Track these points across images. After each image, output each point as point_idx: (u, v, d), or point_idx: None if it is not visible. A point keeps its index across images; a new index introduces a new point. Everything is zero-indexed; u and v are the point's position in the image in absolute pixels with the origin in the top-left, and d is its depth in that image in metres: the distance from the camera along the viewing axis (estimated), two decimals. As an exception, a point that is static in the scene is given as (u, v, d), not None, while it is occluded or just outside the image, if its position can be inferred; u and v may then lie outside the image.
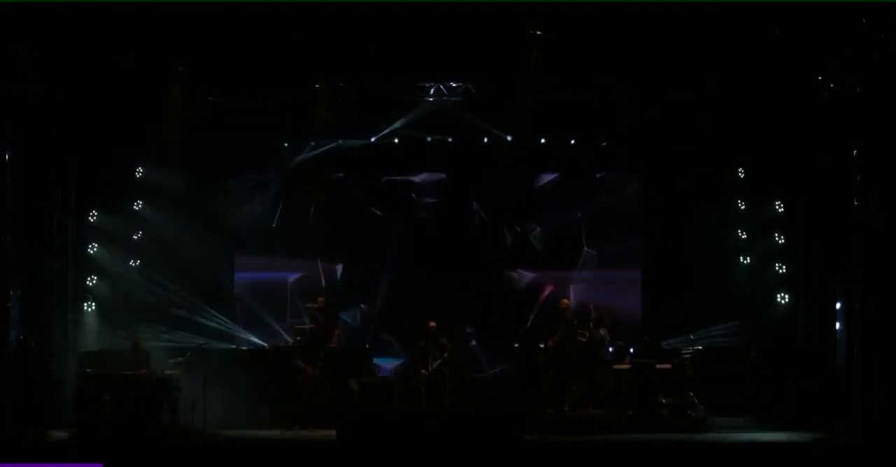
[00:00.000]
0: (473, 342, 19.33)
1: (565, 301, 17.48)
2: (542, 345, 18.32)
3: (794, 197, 17.71)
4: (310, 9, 14.80)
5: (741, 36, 15.35)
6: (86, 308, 17.96)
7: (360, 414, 15.71)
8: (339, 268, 19.74)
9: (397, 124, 18.77)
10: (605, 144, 19.13)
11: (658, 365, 16.51)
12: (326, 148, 19.20)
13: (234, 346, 18.16)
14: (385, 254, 19.65)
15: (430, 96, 18.49)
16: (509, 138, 18.96)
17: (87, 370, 15.91)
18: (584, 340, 16.81)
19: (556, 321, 17.30)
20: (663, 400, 16.43)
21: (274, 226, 19.65)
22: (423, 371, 16.71)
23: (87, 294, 18.04)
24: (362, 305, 19.62)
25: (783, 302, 18.03)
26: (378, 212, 19.76)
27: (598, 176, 19.63)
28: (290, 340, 17.85)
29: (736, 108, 17.55)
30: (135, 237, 18.84)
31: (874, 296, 14.75)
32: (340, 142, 19.19)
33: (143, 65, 16.58)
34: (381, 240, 19.71)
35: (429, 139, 19.17)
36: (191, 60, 16.58)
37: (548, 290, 19.51)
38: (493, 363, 19.18)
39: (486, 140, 19.08)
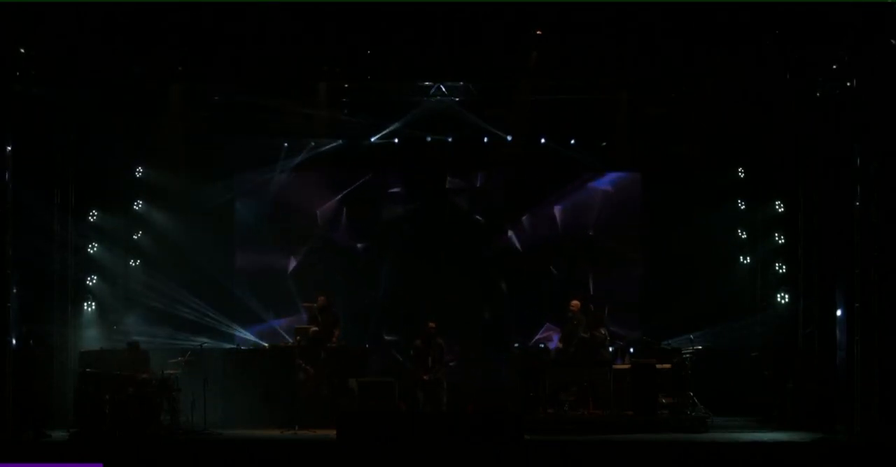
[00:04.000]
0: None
1: (575, 302, 17.44)
2: (542, 345, 18.37)
3: (794, 197, 17.71)
4: (310, 9, 14.80)
5: (741, 36, 15.35)
6: (86, 308, 17.95)
7: (360, 414, 15.71)
8: (340, 268, 19.72)
9: (397, 124, 18.79)
10: (605, 144, 19.15)
11: (658, 365, 16.50)
12: (326, 148, 19.20)
13: (234, 346, 18.17)
14: (385, 253, 19.67)
15: (430, 96, 18.50)
16: (509, 138, 18.97)
17: (87, 370, 15.90)
18: (587, 336, 16.83)
19: (564, 322, 17.36)
20: (663, 400, 16.43)
21: (274, 225, 19.65)
22: (420, 372, 16.73)
23: (87, 294, 18.03)
24: (362, 304, 19.63)
25: (783, 302, 18.04)
26: (378, 212, 19.77)
27: (598, 176, 19.63)
28: (290, 340, 17.86)
29: (736, 108, 17.56)
30: (135, 237, 18.85)
31: (874, 296, 14.74)
32: (340, 142, 19.20)
33: (143, 65, 16.59)
34: (381, 239, 19.72)
35: (429, 139, 19.18)
36: (191, 60, 16.58)
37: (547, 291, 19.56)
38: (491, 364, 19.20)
39: (486, 140, 19.08)
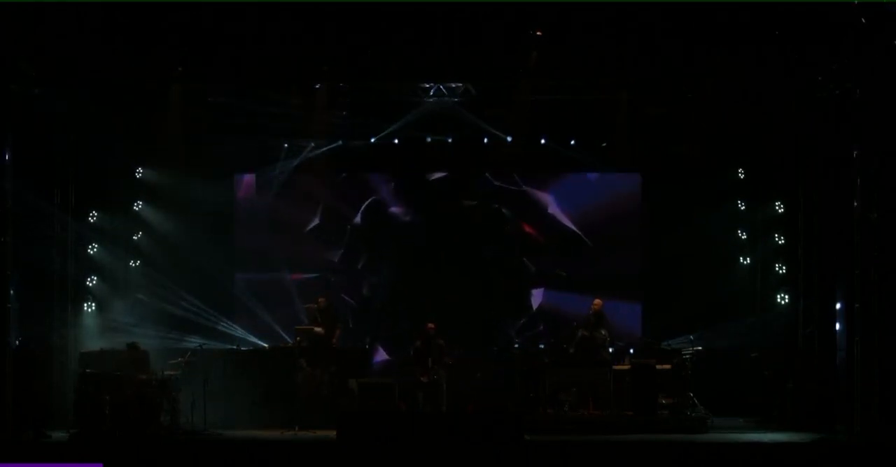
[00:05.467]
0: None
1: (598, 301, 17.47)
2: (542, 346, 18.36)
3: (794, 197, 17.70)
4: (310, 9, 14.80)
5: (741, 36, 15.35)
6: (86, 308, 17.94)
7: (360, 414, 15.70)
8: (338, 268, 19.73)
9: (397, 124, 18.78)
10: (605, 144, 19.14)
11: (658, 366, 16.50)
12: (327, 148, 19.21)
13: (234, 346, 18.16)
14: (385, 253, 19.67)
15: (430, 96, 18.50)
16: (509, 138, 18.97)
17: (87, 370, 15.88)
18: (587, 334, 16.86)
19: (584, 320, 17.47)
20: (663, 401, 16.43)
21: (274, 226, 19.66)
22: (421, 373, 16.72)
23: (87, 294, 18.02)
24: (363, 305, 19.64)
25: (783, 302, 18.02)
26: (378, 213, 19.78)
27: (598, 176, 19.62)
28: (290, 340, 17.85)
29: (736, 108, 17.55)
30: (135, 237, 18.85)
31: (874, 296, 14.73)
32: (340, 142, 19.20)
33: (143, 65, 16.59)
34: (381, 239, 19.72)
35: (429, 139, 19.18)
36: (191, 60, 16.58)
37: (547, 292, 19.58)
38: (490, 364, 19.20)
39: (486, 140, 19.09)
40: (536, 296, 19.66)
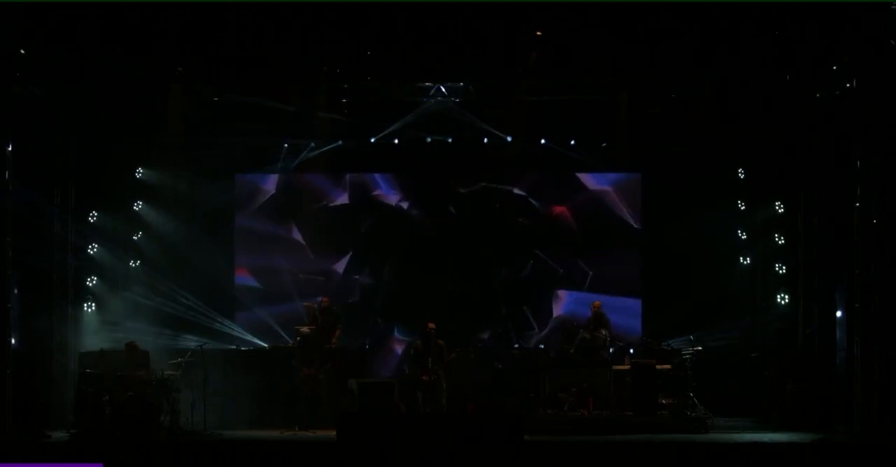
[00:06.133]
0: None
1: (597, 303, 17.54)
2: (542, 346, 18.34)
3: (794, 197, 17.69)
4: (310, 9, 14.81)
5: (741, 36, 15.34)
6: (86, 308, 17.94)
7: (360, 414, 15.70)
8: (339, 268, 19.73)
9: (397, 124, 18.79)
10: (605, 144, 19.14)
11: (658, 366, 16.50)
12: (327, 148, 19.21)
13: (234, 347, 18.14)
14: (385, 253, 19.66)
15: (430, 96, 18.50)
16: (509, 139, 18.97)
17: (87, 370, 15.87)
18: (588, 337, 16.86)
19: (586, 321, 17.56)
20: (663, 401, 16.43)
21: (274, 226, 19.66)
22: (420, 372, 16.72)
23: (87, 294, 18.01)
24: (362, 305, 19.64)
25: (783, 302, 18.01)
26: (378, 213, 19.78)
27: (598, 176, 19.61)
28: (290, 341, 17.84)
29: (736, 108, 17.54)
30: (135, 237, 18.84)
31: (874, 296, 14.73)
32: (340, 142, 19.20)
33: (143, 65, 16.58)
34: (381, 239, 19.72)
35: (429, 139, 19.18)
36: (191, 60, 16.57)
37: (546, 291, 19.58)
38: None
39: (485, 141, 19.08)
40: (536, 296, 19.63)
